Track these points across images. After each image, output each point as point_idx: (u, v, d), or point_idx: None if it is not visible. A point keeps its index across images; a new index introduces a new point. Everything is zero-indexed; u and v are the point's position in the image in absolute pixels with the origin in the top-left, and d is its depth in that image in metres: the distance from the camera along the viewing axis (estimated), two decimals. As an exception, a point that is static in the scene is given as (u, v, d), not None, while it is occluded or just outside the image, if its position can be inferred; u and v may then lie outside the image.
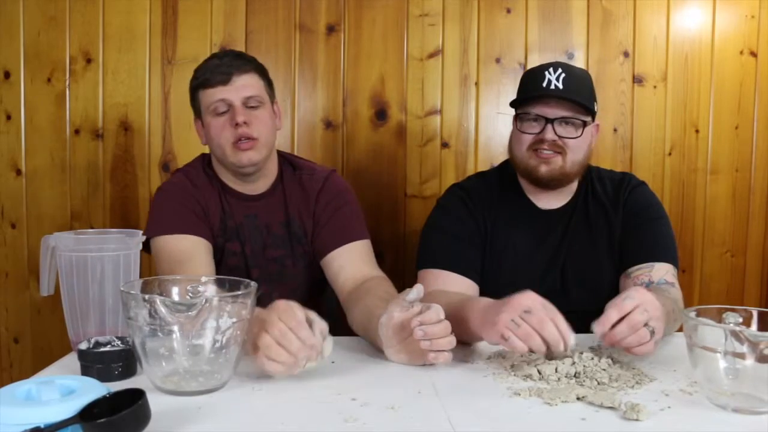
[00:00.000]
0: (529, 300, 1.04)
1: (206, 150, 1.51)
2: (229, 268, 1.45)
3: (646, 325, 1.03)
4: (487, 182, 1.54)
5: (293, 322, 0.97)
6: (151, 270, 1.38)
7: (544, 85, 1.37)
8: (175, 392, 0.94)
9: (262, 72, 1.45)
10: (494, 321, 1.04)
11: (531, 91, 1.39)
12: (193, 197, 1.44)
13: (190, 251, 1.37)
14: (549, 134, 1.37)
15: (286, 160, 1.55)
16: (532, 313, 1.01)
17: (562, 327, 1.01)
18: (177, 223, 1.39)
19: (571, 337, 1.02)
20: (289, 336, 0.96)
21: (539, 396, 0.95)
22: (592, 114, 1.42)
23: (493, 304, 1.11)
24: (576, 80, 1.38)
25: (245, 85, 1.40)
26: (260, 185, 1.49)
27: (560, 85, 1.36)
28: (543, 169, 1.40)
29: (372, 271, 1.43)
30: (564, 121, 1.38)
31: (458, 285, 1.40)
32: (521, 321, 1.01)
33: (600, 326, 1.03)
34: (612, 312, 1.03)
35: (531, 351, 1.02)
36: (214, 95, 1.39)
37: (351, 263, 1.43)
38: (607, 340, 1.04)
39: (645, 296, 1.05)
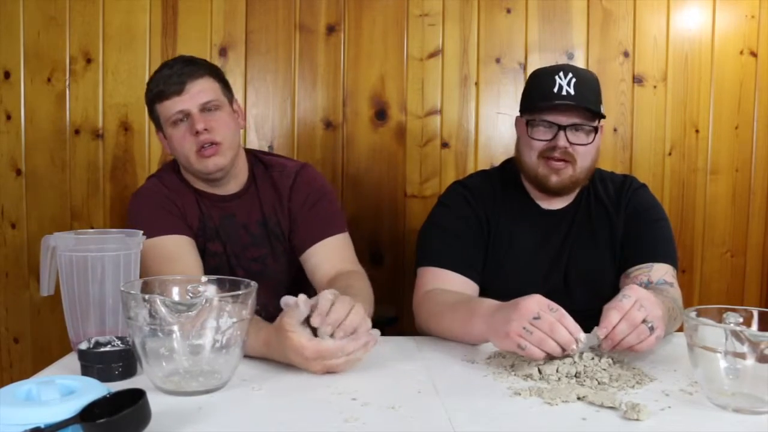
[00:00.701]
0: (536, 304, 1.03)
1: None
2: (212, 269, 1.44)
3: (644, 321, 1.03)
4: (489, 180, 1.53)
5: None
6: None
7: (556, 90, 1.35)
8: (176, 392, 0.94)
9: (216, 74, 1.43)
10: (506, 331, 1.04)
11: (544, 98, 1.37)
12: (169, 199, 1.44)
13: (177, 251, 1.38)
14: (561, 141, 1.37)
15: (256, 158, 1.54)
16: (541, 319, 1.01)
17: (572, 327, 1.02)
18: (159, 225, 1.39)
19: (581, 335, 1.02)
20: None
21: (539, 396, 0.95)
22: (601, 117, 1.41)
23: (499, 309, 1.10)
24: (586, 85, 1.37)
25: (200, 90, 1.38)
26: (232, 186, 1.49)
27: (572, 91, 1.35)
28: (554, 179, 1.40)
29: (348, 266, 1.43)
30: (575, 127, 1.38)
31: (457, 284, 1.39)
32: (533, 328, 1.01)
33: (603, 329, 1.03)
34: (613, 314, 1.03)
35: (548, 356, 1.03)
36: (171, 107, 1.37)
37: (327, 260, 1.43)
38: (609, 343, 1.04)
39: (641, 293, 1.05)
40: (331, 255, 1.44)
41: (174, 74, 1.37)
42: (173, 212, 1.43)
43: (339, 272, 1.39)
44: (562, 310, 1.03)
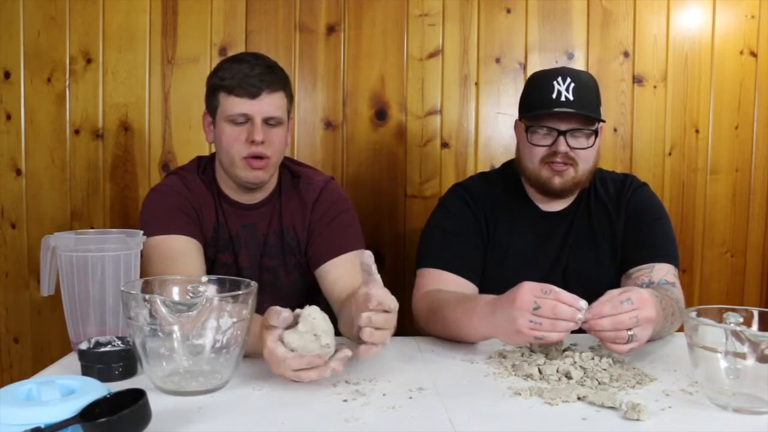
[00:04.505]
0: (530, 293, 1.05)
1: (203, 148, 1.49)
2: None
3: (629, 329, 1.04)
4: (489, 183, 1.53)
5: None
6: (143, 274, 1.37)
7: (554, 96, 1.35)
8: (176, 392, 0.94)
9: (288, 90, 1.41)
10: (516, 330, 1.06)
11: (542, 105, 1.37)
12: (188, 200, 1.42)
13: (182, 251, 1.36)
14: (562, 146, 1.37)
15: (285, 167, 1.53)
16: (542, 307, 1.03)
17: (570, 300, 1.04)
18: (170, 223, 1.37)
19: (581, 303, 1.04)
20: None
21: (540, 396, 0.95)
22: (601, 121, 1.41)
23: (497, 307, 1.11)
24: (585, 89, 1.37)
25: (271, 103, 1.36)
26: (259, 195, 1.47)
27: (571, 97, 1.34)
28: (557, 181, 1.40)
29: None
30: (575, 132, 1.37)
31: (457, 286, 1.39)
32: (539, 318, 1.03)
33: (589, 316, 1.04)
34: (606, 307, 1.04)
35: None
36: (237, 106, 1.35)
37: (347, 275, 1.40)
38: (588, 327, 1.05)
39: (644, 302, 1.05)
40: (350, 271, 1.41)
41: (254, 76, 1.34)
42: (190, 215, 1.41)
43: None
44: (555, 288, 1.05)
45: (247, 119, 1.36)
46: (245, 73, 1.34)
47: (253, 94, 1.34)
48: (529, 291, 1.05)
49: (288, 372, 0.96)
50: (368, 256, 1.02)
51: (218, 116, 1.39)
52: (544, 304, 1.03)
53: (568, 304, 1.03)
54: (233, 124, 1.36)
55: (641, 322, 1.04)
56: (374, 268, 1.02)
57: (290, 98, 1.43)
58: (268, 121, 1.37)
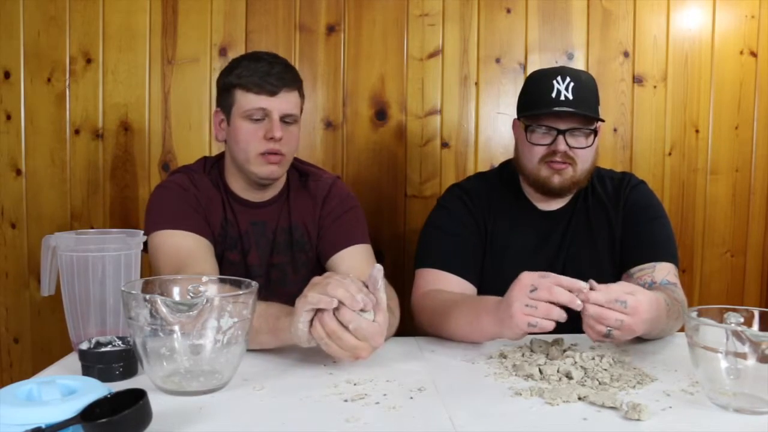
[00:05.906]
0: (528, 278, 1.06)
1: (203, 148, 1.48)
2: None
3: (610, 326, 1.04)
4: (487, 183, 1.53)
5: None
6: (152, 270, 1.37)
7: (554, 96, 1.35)
8: (176, 392, 0.94)
9: (301, 89, 1.43)
10: (510, 314, 1.05)
11: (542, 104, 1.37)
12: (196, 197, 1.42)
13: (194, 250, 1.35)
14: (561, 145, 1.37)
15: (293, 166, 1.53)
16: (539, 288, 1.03)
17: (569, 284, 1.03)
18: (180, 219, 1.37)
19: (581, 285, 1.03)
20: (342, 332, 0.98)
21: (540, 396, 0.95)
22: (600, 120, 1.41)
23: (501, 300, 1.12)
24: (584, 89, 1.37)
25: (288, 101, 1.38)
26: (269, 193, 1.48)
27: (570, 96, 1.34)
28: (556, 179, 1.40)
29: None
30: (574, 131, 1.38)
31: (455, 286, 1.39)
32: (534, 302, 1.03)
33: (584, 298, 1.03)
34: (601, 297, 1.03)
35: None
36: (255, 102, 1.36)
37: (359, 266, 1.41)
38: (578, 305, 1.04)
39: (637, 312, 1.04)
40: (361, 263, 1.42)
41: (273, 75, 1.36)
42: (197, 210, 1.41)
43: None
44: (554, 275, 1.05)
45: (265, 115, 1.37)
46: (265, 71, 1.36)
47: (272, 92, 1.36)
48: (527, 276, 1.06)
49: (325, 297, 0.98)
50: (378, 270, 1.02)
51: (234, 113, 1.39)
52: (540, 285, 1.03)
53: (568, 287, 1.03)
54: (250, 120, 1.37)
55: (624, 327, 1.04)
56: (381, 283, 1.02)
57: (302, 98, 1.45)
58: (284, 119, 1.38)
